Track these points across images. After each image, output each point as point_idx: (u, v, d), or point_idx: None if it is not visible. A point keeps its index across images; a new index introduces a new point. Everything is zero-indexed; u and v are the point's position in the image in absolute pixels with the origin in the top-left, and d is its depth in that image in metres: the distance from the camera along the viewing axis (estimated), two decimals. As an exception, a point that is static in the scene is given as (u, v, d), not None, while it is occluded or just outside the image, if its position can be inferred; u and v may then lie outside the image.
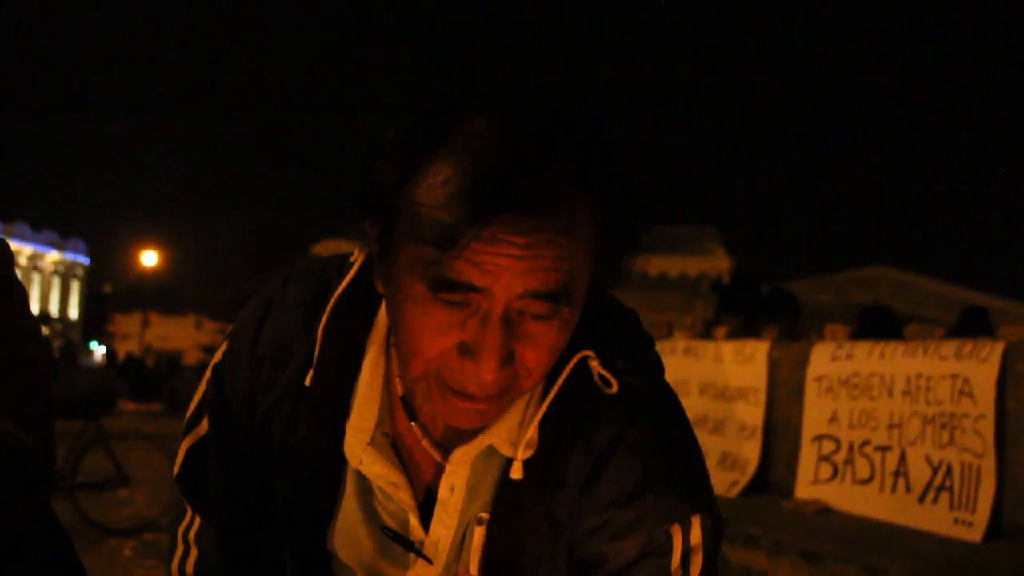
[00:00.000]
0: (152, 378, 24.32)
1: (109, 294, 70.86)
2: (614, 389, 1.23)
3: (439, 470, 1.27)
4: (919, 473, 4.64)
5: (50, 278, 70.29)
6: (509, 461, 1.24)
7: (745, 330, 6.52)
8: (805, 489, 5.33)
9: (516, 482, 1.23)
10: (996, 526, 4.25)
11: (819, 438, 5.32)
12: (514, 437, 1.23)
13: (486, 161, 1.02)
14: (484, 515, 1.26)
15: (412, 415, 1.27)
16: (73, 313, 73.69)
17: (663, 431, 1.27)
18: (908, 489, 4.69)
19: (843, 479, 5.12)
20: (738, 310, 7.79)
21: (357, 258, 1.31)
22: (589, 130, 1.10)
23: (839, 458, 5.17)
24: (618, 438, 1.23)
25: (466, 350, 1.07)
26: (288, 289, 1.36)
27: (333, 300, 1.29)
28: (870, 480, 4.94)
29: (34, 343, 1.77)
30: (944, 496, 4.47)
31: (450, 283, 1.04)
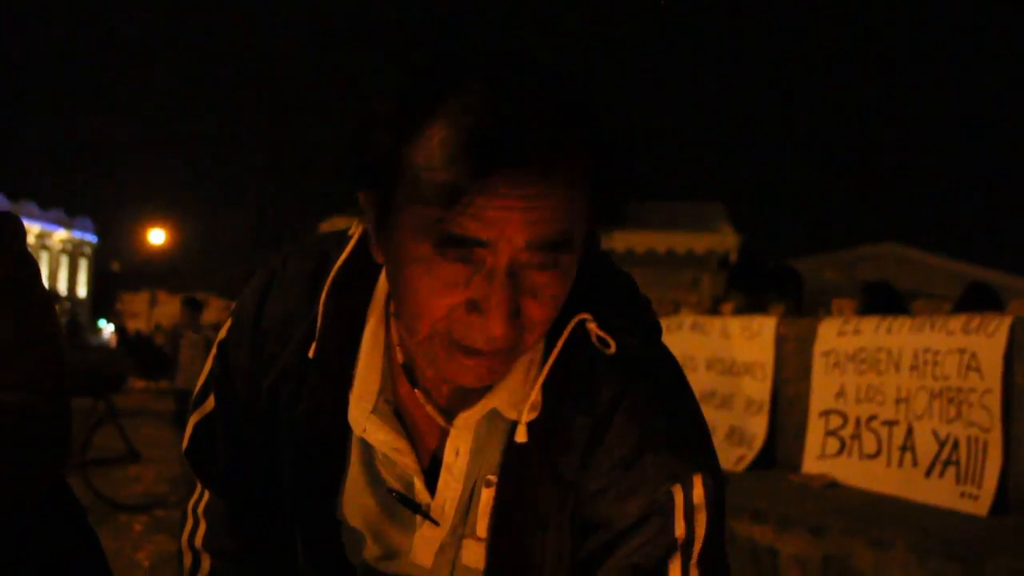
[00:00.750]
0: (161, 356, 24.38)
1: (117, 272, 70.97)
2: (612, 349, 1.25)
3: (443, 435, 1.29)
4: (926, 447, 4.65)
5: (58, 256, 70.41)
6: (514, 425, 1.26)
7: (752, 307, 6.53)
8: (812, 464, 5.36)
9: (522, 445, 1.25)
10: (1002, 500, 4.26)
11: (826, 413, 5.34)
12: (517, 400, 1.25)
13: (482, 118, 1.04)
14: (492, 477, 1.28)
15: (414, 382, 1.29)
16: (81, 292, 73.84)
17: (662, 390, 1.28)
18: (915, 463, 4.70)
19: (850, 454, 5.14)
20: (745, 288, 7.80)
21: (355, 231, 1.34)
22: (578, 85, 1.12)
23: (846, 433, 5.18)
24: (618, 398, 1.25)
25: (474, 306, 1.09)
26: (289, 265, 1.39)
27: (333, 273, 1.32)
28: (877, 455, 4.96)
29: (49, 316, 1.80)
30: (951, 470, 4.49)
31: (456, 239, 1.06)
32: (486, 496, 1.29)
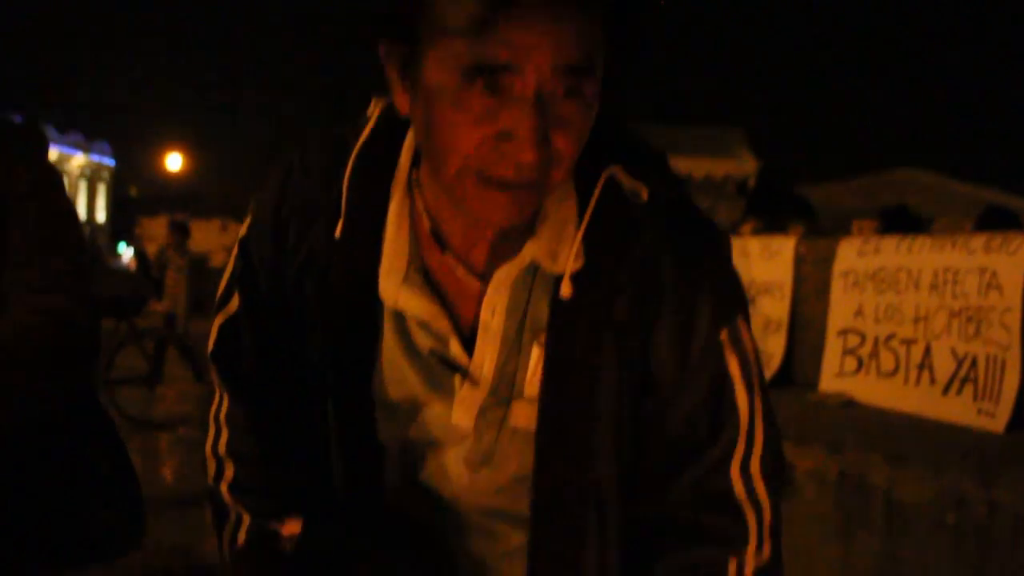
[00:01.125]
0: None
1: (135, 197, 71.16)
2: (645, 197, 1.28)
3: (479, 300, 1.30)
4: (944, 366, 4.67)
5: (77, 182, 70.48)
6: (558, 280, 1.27)
7: (770, 229, 6.54)
8: (830, 382, 5.38)
9: (568, 299, 1.26)
10: (1019, 416, 4.28)
11: (844, 332, 5.35)
12: (556, 252, 1.27)
13: None
14: (542, 336, 1.29)
15: (443, 247, 1.31)
16: (100, 216, 74.11)
17: (699, 234, 1.32)
18: (932, 381, 4.73)
19: (868, 372, 5.16)
20: (763, 212, 7.80)
21: (374, 110, 1.35)
22: None
23: (864, 352, 5.20)
24: (660, 244, 1.27)
25: (504, 136, 1.11)
26: (306, 154, 1.39)
27: (356, 150, 1.33)
28: (895, 373, 4.98)
29: (74, 225, 1.82)
30: (968, 388, 4.51)
31: (484, 67, 1.08)
32: (536, 355, 1.30)
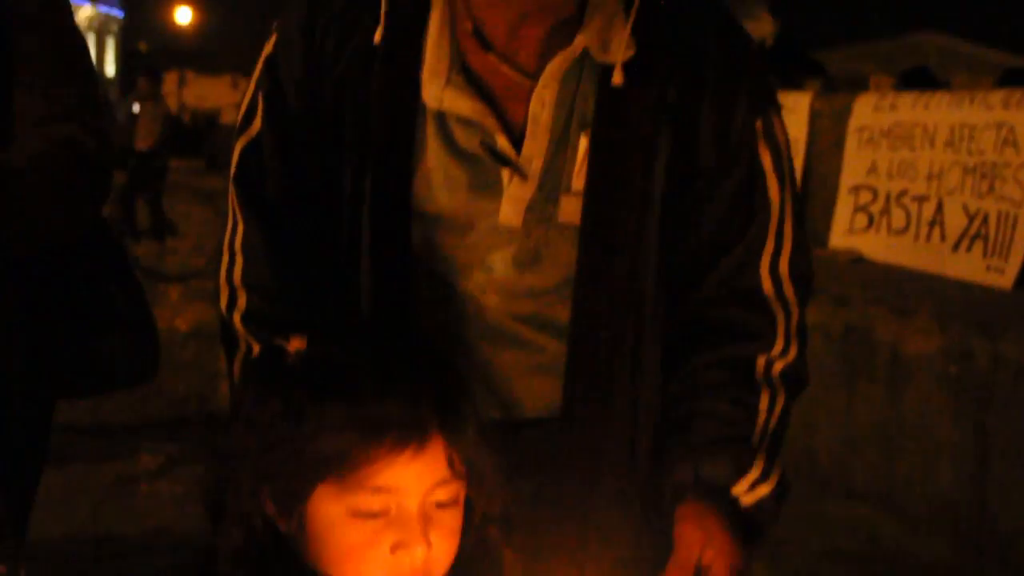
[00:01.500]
0: (193, 135, 24.47)
1: (145, 52, 70.21)
2: None
3: (526, 98, 1.31)
4: (955, 222, 4.65)
5: (85, 34, 69.14)
6: (607, 71, 1.29)
7: (786, 87, 6.44)
8: (839, 239, 5.39)
9: (618, 88, 1.29)
10: (1028, 273, 4.29)
11: (856, 189, 5.32)
12: (607, 41, 1.29)
13: None
14: (588, 128, 1.32)
15: (487, 47, 1.31)
16: (109, 71, 73.31)
17: (738, 26, 1.38)
18: (943, 238, 4.72)
19: (878, 229, 5.15)
20: (778, 73, 7.66)
21: None
22: None
23: (875, 208, 5.18)
24: (706, 32, 1.32)
25: None
26: None
27: None
28: (905, 230, 4.97)
29: (84, 55, 1.79)
30: (978, 244, 4.50)
31: None
32: (583, 146, 1.32)
